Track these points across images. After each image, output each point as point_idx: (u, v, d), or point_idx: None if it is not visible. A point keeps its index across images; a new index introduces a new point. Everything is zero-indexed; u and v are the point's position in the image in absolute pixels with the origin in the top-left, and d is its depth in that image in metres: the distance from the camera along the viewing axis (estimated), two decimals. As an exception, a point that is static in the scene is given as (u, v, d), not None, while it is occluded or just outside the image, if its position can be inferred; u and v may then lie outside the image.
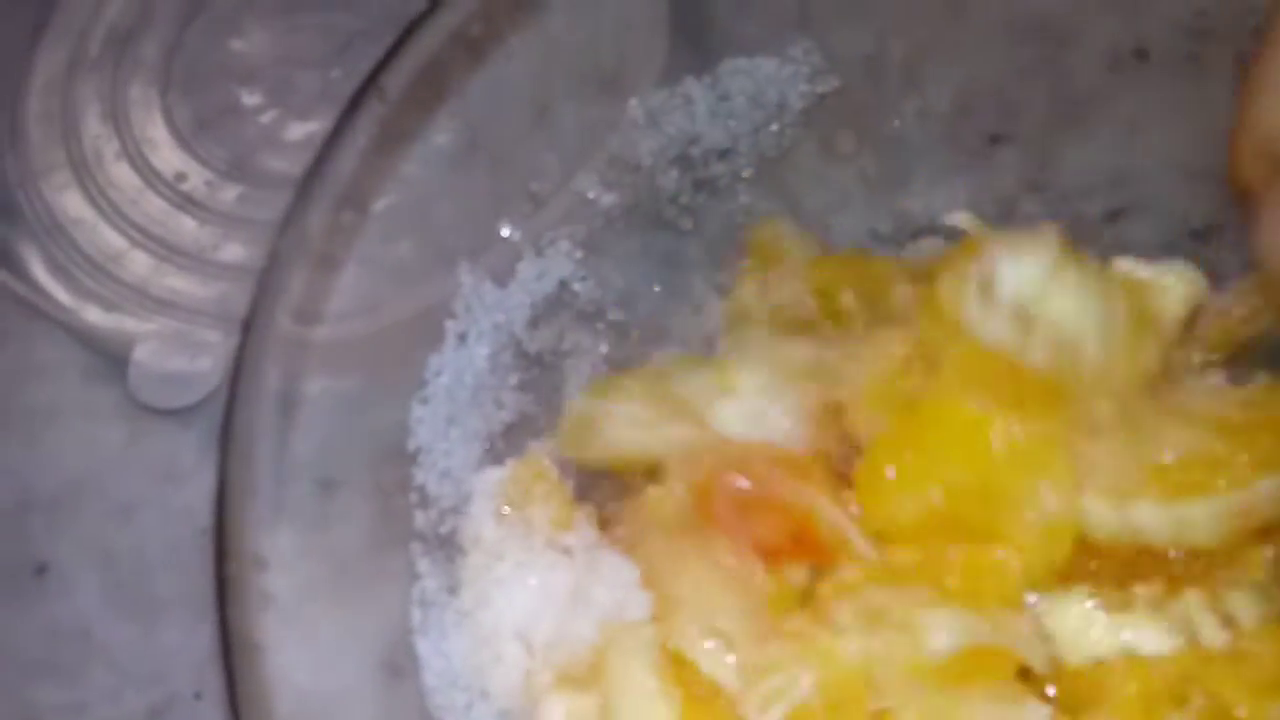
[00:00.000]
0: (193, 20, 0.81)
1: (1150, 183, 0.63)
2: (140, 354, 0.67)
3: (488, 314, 0.57)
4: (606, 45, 0.61)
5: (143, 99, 0.79)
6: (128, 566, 0.69)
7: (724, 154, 0.63)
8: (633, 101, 0.60)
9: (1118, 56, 0.62)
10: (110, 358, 0.72)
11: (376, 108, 0.52)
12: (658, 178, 0.62)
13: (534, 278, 0.59)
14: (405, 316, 0.57)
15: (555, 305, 0.60)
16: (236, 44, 0.80)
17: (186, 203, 0.76)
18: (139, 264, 0.74)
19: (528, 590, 0.52)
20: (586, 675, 0.50)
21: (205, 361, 0.68)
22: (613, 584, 0.51)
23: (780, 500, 0.50)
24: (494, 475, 0.56)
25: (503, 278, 0.58)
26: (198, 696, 0.66)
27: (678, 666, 0.49)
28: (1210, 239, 0.61)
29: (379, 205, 0.53)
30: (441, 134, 0.55)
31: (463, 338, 0.57)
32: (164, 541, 0.69)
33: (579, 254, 0.60)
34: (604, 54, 0.61)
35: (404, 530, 0.54)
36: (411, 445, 0.55)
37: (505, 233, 0.58)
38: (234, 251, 0.75)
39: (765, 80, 0.62)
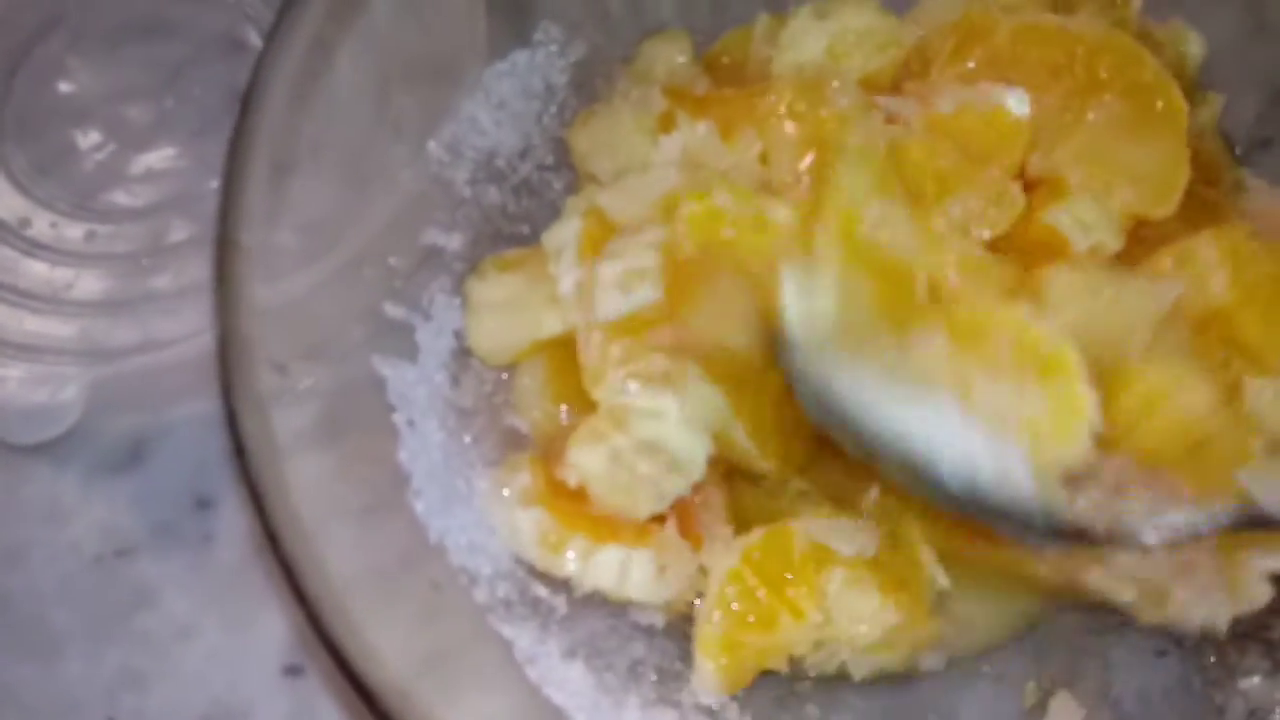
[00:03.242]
0: (17, 69, 0.81)
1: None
2: (1, 395, 0.68)
3: (416, 391, 0.60)
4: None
5: (-24, 152, 0.80)
6: (21, 608, 0.70)
7: (524, 153, 0.67)
8: (431, 144, 0.63)
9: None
10: (-27, 411, 0.73)
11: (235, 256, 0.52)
12: (482, 201, 0.66)
13: (433, 338, 0.62)
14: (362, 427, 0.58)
15: (462, 356, 0.63)
16: (64, 86, 0.81)
17: (34, 247, 0.77)
18: (-7, 313, 0.75)
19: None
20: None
21: (68, 392, 0.69)
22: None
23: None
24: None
25: (410, 353, 0.61)
26: (110, 721, 0.67)
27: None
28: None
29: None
30: (296, 242, 0.56)
31: (411, 424, 0.59)
32: (55, 578, 0.71)
33: (456, 301, 0.63)
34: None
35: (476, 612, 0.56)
36: (434, 539, 0.57)
37: (390, 312, 0.61)
38: (88, 287, 0.76)
39: (527, 71, 0.67)
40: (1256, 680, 0.55)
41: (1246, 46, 0.64)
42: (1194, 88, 0.64)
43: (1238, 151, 0.65)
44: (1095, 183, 0.55)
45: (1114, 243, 0.55)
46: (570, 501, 0.55)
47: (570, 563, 0.55)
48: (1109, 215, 0.56)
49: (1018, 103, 0.55)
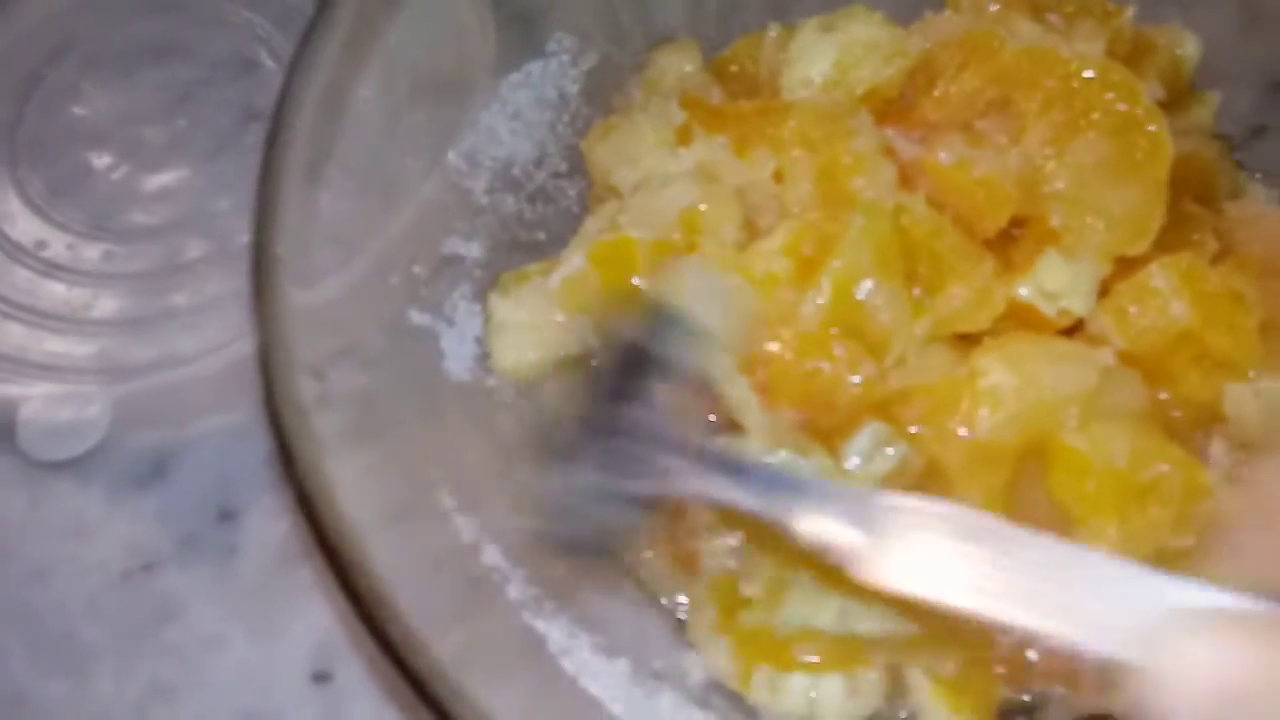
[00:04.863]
0: (31, 93, 0.83)
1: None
2: (26, 412, 0.69)
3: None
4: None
5: (-8, 176, 0.81)
6: (50, 624, 0.71)
7: (539, 162, 0.69)
8: (450, 155, 0.65)
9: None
10: (-1, 429, 0.74)
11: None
12: (499, 210, 0.67)
13: (457, 344, 0.63)
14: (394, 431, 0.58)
15: (484, 360, 0.64)
16: (78, 110, 0.82)
17: (51, 268, 0.78)
18: (13, 334, 0.76)
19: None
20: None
21: (93, 410, 0.70)
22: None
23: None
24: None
25: (436, 359, 0.62)
26: (140, 737, 0.68)
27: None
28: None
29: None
30: (327, 253, 0.57)
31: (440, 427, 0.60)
32: (83, 595, 0.71)
33: (477, 307, 0.65)
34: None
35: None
36: (467, 539, 0.57)
37: (416, 320, 0.62)
38: (106, 307, 0.77)
39: (541, 81, 0.68)
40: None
41: (1242, 38, 0.66)
42: (1189, 88, 0.65)
43: (1235, 142, 0.66)
44: (1074, 223, 0.57)
45: (1083, 306, 0.58)
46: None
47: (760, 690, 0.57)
48: (1081, 274, 0.57)
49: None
